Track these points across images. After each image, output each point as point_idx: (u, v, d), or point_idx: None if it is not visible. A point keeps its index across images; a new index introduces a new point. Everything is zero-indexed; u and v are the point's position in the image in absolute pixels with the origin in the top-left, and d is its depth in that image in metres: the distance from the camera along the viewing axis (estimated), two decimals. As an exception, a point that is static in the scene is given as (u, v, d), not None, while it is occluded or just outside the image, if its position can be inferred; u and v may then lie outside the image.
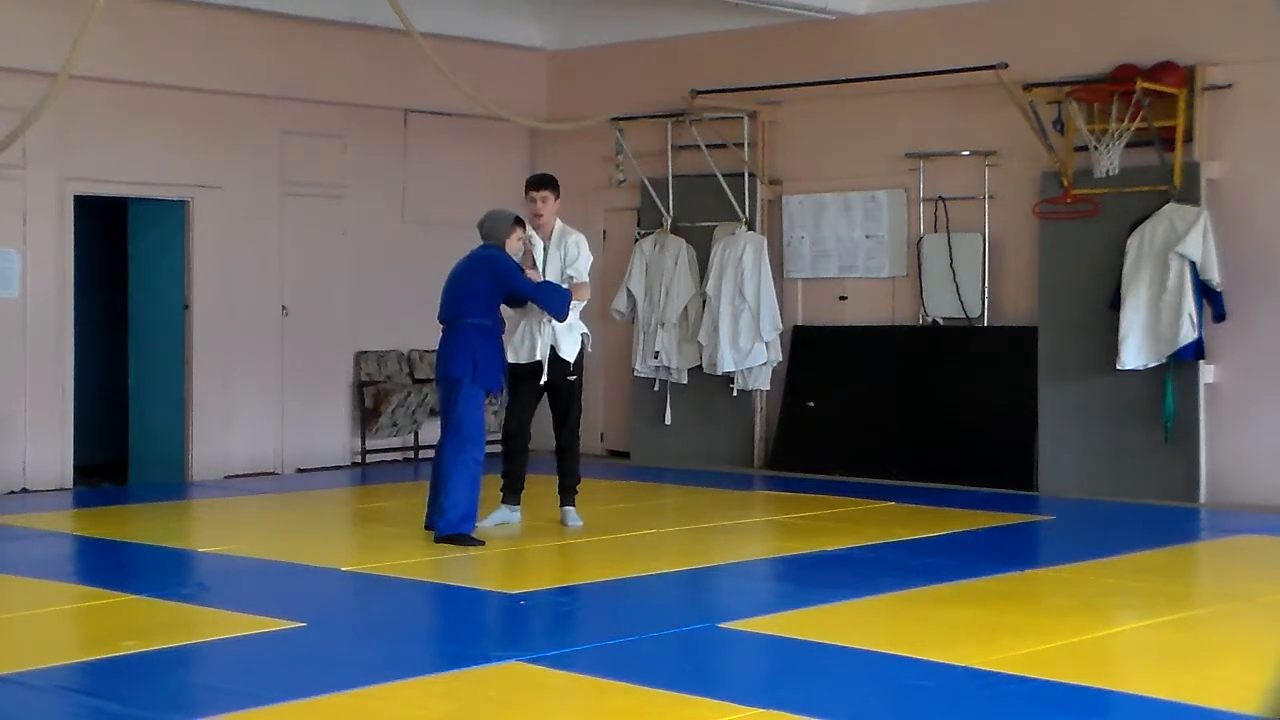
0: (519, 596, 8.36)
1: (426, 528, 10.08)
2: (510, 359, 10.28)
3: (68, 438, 12.72)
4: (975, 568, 9.07)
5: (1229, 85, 11.87)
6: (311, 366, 14.07)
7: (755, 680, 6.93)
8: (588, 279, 10.47)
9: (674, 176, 14.47)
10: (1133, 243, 11.94)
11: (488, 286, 9.94)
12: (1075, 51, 12.39)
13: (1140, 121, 11.76)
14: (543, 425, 10.90)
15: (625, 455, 14.75)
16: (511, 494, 10.54)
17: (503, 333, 10.16)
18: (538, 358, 10.28)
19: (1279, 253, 11.77)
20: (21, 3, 12.25)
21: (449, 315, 9.98)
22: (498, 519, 10.48)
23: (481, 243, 10.17)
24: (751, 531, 10.97)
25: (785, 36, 14.01)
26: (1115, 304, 11.99)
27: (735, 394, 14.04)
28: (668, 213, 14.39)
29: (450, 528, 9.77)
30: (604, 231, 15.15)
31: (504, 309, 10.21)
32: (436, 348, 10.18)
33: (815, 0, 13.31)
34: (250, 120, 13.66)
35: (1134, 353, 11.83)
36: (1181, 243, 11.69)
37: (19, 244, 12.47)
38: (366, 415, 14.37)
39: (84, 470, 13.07)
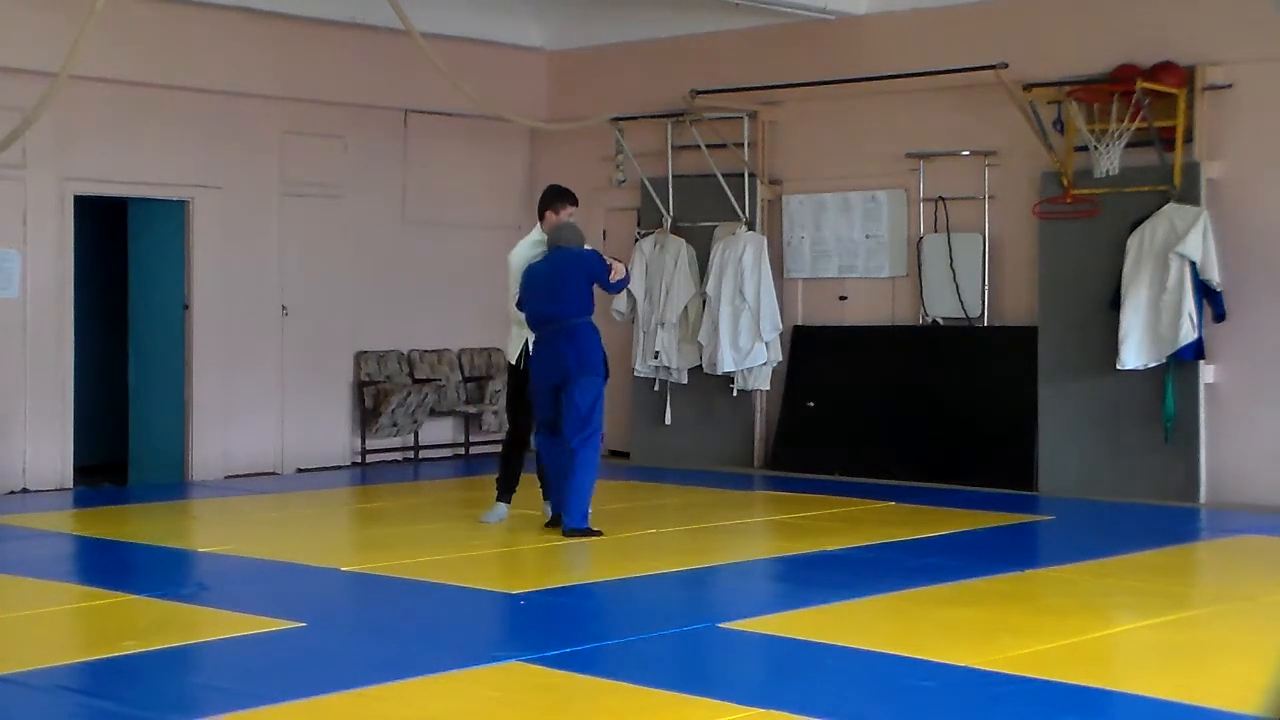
0: (519, 596, 8.37)
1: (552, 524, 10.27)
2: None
3: (68, 438, 12.72)
4: (975, 568, 9.07)
5: (1229, 85, 11.87)
6: (311, 366, 14.07)
7: (755, 680, 6.93)
8: None
9: (674, 176, 14.47)
10: (1133, 243, 11.94)
11: (588, 283, 10.27)
12: (1075, 51, 12.39)
13: (1140, 121, 11.76)
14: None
15: (625, 455, 14.74)
16: (510, 492, 10.77)
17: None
18: None
19: (1279, 253, 11.77)
20: (21, 3, 12.25)
21: (557, 313, 10.13)
22: (500, 516, 10.69)
23: (555, 245, 10.30)
24: (751, 531, 10.97)
25: (785, 36, 14.01)
26: (1115, 304, 11.99)
27: (735, 394, 14.04)
28: (668, 213, 14.39)
29: (580, 521, 10.09)
30: (604, 231, 15.15)
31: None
32: (536, 346, 10.23)
33: (815, 0, 13.31)
34: (250, 120, 13.66)
35: (1134, 353, 11.83)
36: (1181, 243, 11.69)
37: (19, 244, 12.48)
38: (366, 415, 14.37)
39: (84, 470, 13.06)
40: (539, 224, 10.59)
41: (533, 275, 10.29)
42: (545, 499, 10.65)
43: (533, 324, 10.27)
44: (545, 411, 10.32)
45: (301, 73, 13.85)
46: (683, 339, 14.16)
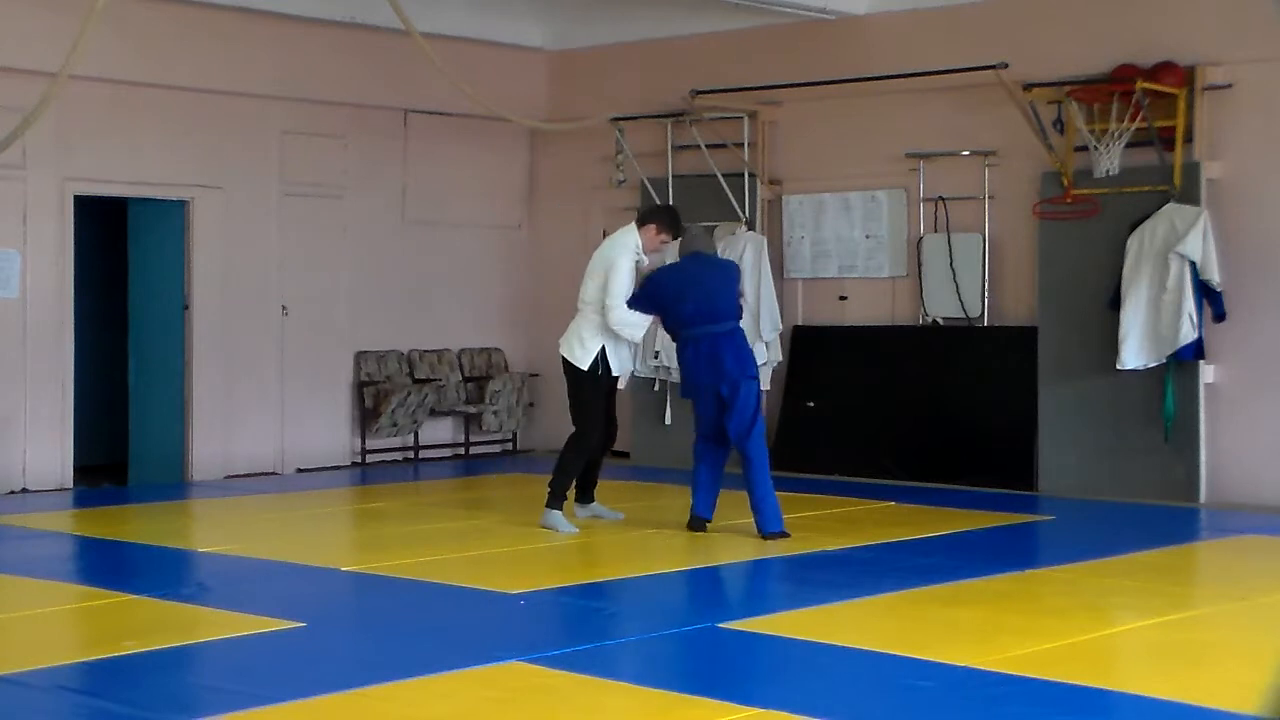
0: (519, 596, 8.36)
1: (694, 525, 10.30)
2: (618, 369, 10.49)
3: (68, 438, 12.72)
4: (975, 568, 9.07)
5: (1229, 85, 11.87)
6: (311, 366, 14.07)
7: (755, 680, 6.92)
8: None
9: (674, 176, 14.46)
10: (1133, 243, 11.94)
11: (736, 291, 10.45)
12: (1075, 51, 12.39)
13: (1140, 121, 11.76)
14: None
15: (625, 455, 14.72)
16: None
17: None
18: (636, 366, 10.62)
19: (1279, 253, 11.77)
20: (21, 3, 12.25)
21: (718, 314, 10.19)
22: (570, 525, 10.47)
23: (691, 252, 10.40)
24: (752, 532, 10.95)
25: (785, 36, 14.01)
26: (1115, 304, 12.00)
27: (735, 394, 14.03)
28: (668, 213, 14.37)
29: (778, 524, 10.13)
30: (604, 231, 15.06)
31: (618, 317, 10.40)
32: (692, 349, 10.19)
33: (815, 0, 13.31)
34: (250, 120, 13.66)
35: (1134, 353, 11.83)
36: (1181, 243, 11.69)
37: (19, 244, 12.48)
38: (366, 415, 14.37)
39: (84, 470, 13.06)
40: (636, 230, 10.45)
41: (677, 279, 10.24)
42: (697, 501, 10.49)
43: (684, 326, 10.18)
44: (710, 413, 10.24)
45: (301, 73, 13.84)
46: (683, 339, 14.14)
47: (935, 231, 13.32)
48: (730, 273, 10.50)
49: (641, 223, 10.49)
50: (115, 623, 7.82)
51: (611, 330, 10.32)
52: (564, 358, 10.47)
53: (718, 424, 10.24)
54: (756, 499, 10.17)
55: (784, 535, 10.09)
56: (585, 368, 10.35)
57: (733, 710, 6.12)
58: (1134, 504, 11.77)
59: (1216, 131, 11.91)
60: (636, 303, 10.29)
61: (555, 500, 10.41)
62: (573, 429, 10.57)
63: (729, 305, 10.28)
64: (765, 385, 13.91)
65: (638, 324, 10.35)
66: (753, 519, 10.20)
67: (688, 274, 10.29)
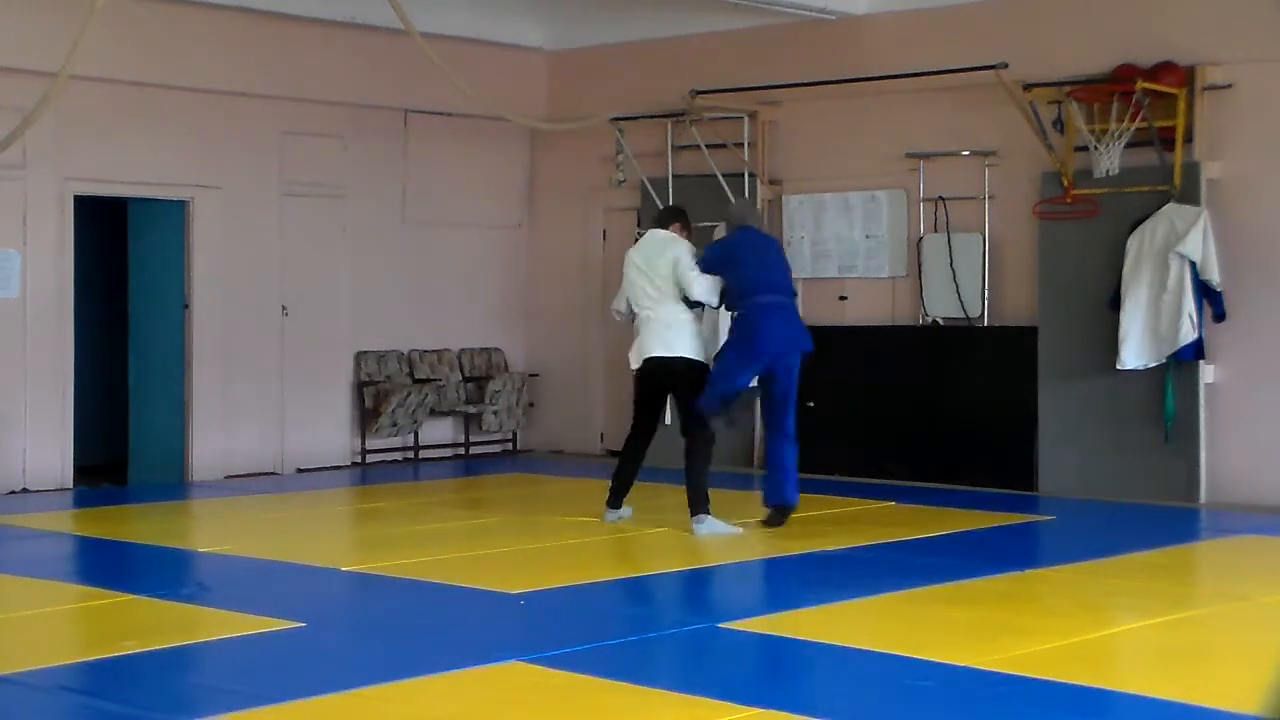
0: (519, 596, 8.37)
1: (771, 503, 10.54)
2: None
3: (68, 438, 12.72)
4: (975, 568, 9.07)
5: (1229, 85, 11.87)
6: (311, 366, 14.06)
7: (755, 680, 6.93)
8: None
9: (674, 176, 14.46)
10: (1133, 243, 11.94)
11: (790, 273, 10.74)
12: (1075, 51, 12.39)
13: (1140, 121, 11.76)
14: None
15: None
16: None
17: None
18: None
19: (1279, 253, 11.77)
20: (21, 3, 12.25)
21: (780, 289, 10.40)
22: (731, 526, 10.54)
23: (741, 224, 10.66)
24: (751, 531, 10.96)
25: (785, 36, 14.01)
26: (1115, 304, 12.00)
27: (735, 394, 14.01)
28: (668, 213, 14.37)
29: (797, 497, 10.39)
30: (604, 231, 15.16)
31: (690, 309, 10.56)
32: (764, 316, 10.33)
33: (815, 0, 13.31)
34: (250, 120, 13.66)
35: (1134, 353, 11.83)
36: (1181, 243, 11.69)
37: (19, 244, 12.48)
38: (366, 415, 14.37)
39: (84, 470, 13.06)
40: (661, 231, 10.59)
41: (745, 245, 10.43)
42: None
43: (758, 291, 10.28)
44: (744, 384, 10.52)
45: (301, 73, 13.85)
46: (683, 339, 14.11)
47: (935, 231, 13.32)
48: (783, 253, 10.77)
49: (664, 226, 10.66)
50: (115, 623, 7.82)
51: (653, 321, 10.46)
52: (682, 358, 10.51)
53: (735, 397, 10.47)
54: (792, 472, 10.48)
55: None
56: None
57: (733, 710, 6.12)
58: (1134, 504, 11.77)
59: (1216, 131, 11.91)
60: (709, 266, 10.42)
61: (699, 506, 10.38)
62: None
63: (788, 281, 10.58)
64: (765, 385, 13.97)
65: (714, 287, 10.41)
66: (767, 494, 10.57)
67: (753, 243, 10.50)
